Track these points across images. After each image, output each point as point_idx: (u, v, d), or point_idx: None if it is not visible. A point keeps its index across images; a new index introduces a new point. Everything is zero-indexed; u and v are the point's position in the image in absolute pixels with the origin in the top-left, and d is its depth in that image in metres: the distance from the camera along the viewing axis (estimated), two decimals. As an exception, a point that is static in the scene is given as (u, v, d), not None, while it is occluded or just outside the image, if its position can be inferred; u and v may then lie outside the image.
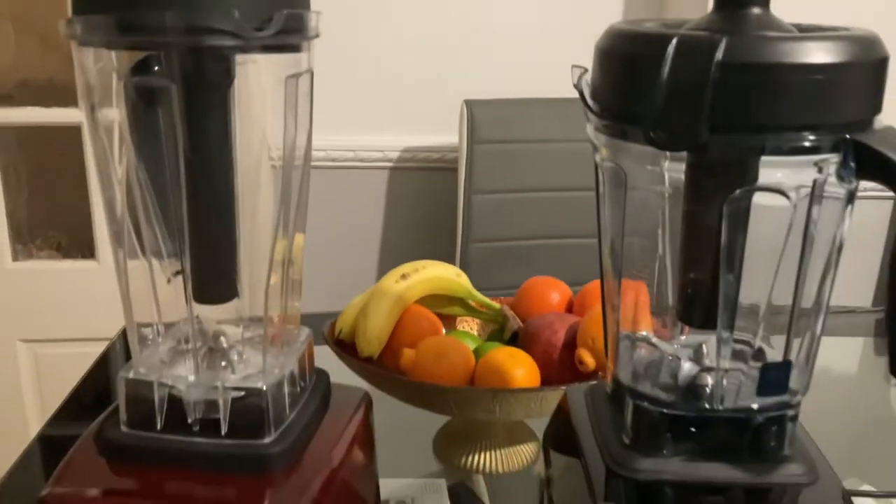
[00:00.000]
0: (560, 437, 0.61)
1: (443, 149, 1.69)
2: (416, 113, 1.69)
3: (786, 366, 0.48)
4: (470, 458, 0.79)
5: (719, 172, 0.43)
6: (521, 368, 0.74)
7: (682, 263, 0.49)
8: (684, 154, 0.44)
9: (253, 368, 0.53)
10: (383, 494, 0.71)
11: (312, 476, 0.51)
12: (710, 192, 0.44)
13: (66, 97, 1.67)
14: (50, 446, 0.87)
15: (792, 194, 0.44)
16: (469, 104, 1.50)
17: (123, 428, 0.52)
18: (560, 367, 0.76)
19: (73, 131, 1.67)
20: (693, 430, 0.49)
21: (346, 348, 0.79)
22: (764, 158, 0.42)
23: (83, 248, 1.77)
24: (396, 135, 1.70)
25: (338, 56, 1.61)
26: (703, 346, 0.52)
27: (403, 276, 0.81)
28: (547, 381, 0.75)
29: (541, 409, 0.72)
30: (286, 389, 0.53)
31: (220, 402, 0.51)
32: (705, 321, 0.49)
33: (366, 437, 0.61)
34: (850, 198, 0.45)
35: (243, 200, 0.52)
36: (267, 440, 0.51)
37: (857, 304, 1.23)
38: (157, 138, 0.49)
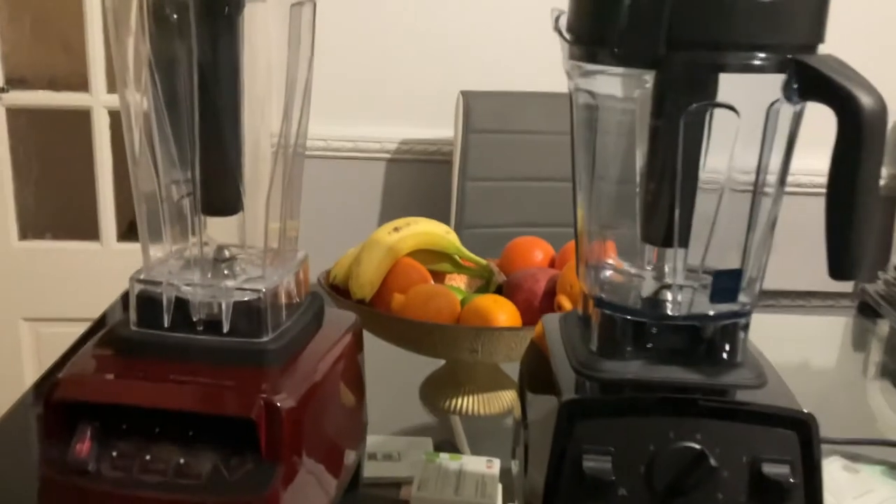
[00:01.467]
0: (533, 365, 0.65)
1: (439, 142, 1.75)
2: (414, 106, 1.74)
3: (736, 273, 0.52)
4: (454, 402, 0.84)
5: (678, 88, 0.48)
6: (503, 313, 0.79)
7: (646, 183, 0.54)
8: (649, 79, 0.50)
9: (253, 276, 0.58)
10: (371, 448, 0.76)
11: (306, 375, 0.56)
12: (670, 108, 0.49)
13: (75, 83, 1.73)
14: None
15: (743, 112, 0.49)
16: (465, 95, 1.56)
17: (133, 327, 0.56)
18: (541, 313, 0.81)
19: (82, 115, 1.73)
20: (652, 335, 0.54)
21: (339, 293, 0.84)
22: (719, 76, 0.48)
23: (87, 229, 1.81)
24: (394, 127, 1.75)
25: (339, 49, 1.67)
26: (665, 267, 0.57)
27: (396, 229, 0.86)
28: (528, 325, 0.80)
29: (521, 351, 0.77)
30: (283, 298, 0.58)
31: (223, 303, 0.55)
32: (664, 238, 0.54)
33: (355, 355, 0.65)
34: (797, 119, 0.51)
35: (248, 122, 0.57)
36: (265, 339, 0.55)
37: (836, 289, 1.28)
38: (173, 60, 0.55)
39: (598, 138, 0.56)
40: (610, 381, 0.53)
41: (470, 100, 1.55)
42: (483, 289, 0.91)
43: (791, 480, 0.49)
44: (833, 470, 0.76)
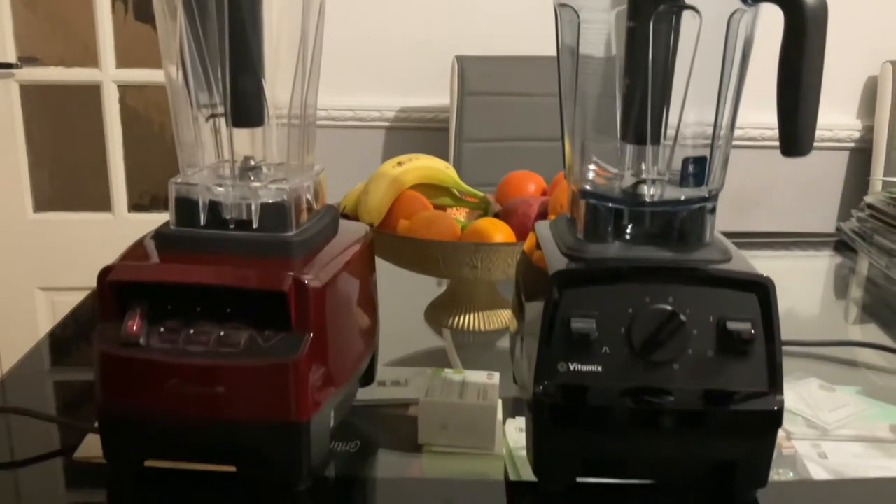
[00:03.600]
0: (525, 267, 0.72)
1: (436, 109, 1.82)
2: (411, 74, 1.82)
3: (703, 160, 0.60)
4: (456, 320, 0.91)
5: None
6: (500, 233, 0.86)
7: (623, 84, 0.61)
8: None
9: (278, 180, 0.65)
10: (381, 376, 0.81)
11: (327, 264, 0.63)
12: (643, 9, 0.56)
13: (85, 61, 1.80)
14: (58, 343, 0.96)
15: (705, 13, 0.57)
16: (460, 59, 1.63)
17: (172, 226, 0.64)
18: (534, 234, 0.88)
19: (93, 90, 1.80)
20: (630, 221, 0.62)
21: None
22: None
23: (100, 201, 1.88)
24: (393, 96, 1.83)
25: (337, 20, 1.74)
26: (641, 165, 0.65)
27: (399, 163, 0.93)
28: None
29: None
30: (304, 200, 0.65)
31: (252, 203, 0.63)
32: (640, 136, 0.62)
33: (368, 259, 0.73)
34: (753, 24, 0.58)
35: (268, 40, 0.65)
36: (290, 233, 0.63)
37: (814, 230, 1.36)
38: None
39: (580, 51, 0.63)
40: (594, 260, 0.60)
41: (464, 64, 1.63)
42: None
43: (752, 332, 0.57)
44: (811, 389, 0.81)
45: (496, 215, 0.95)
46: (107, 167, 1.82)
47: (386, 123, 1.85)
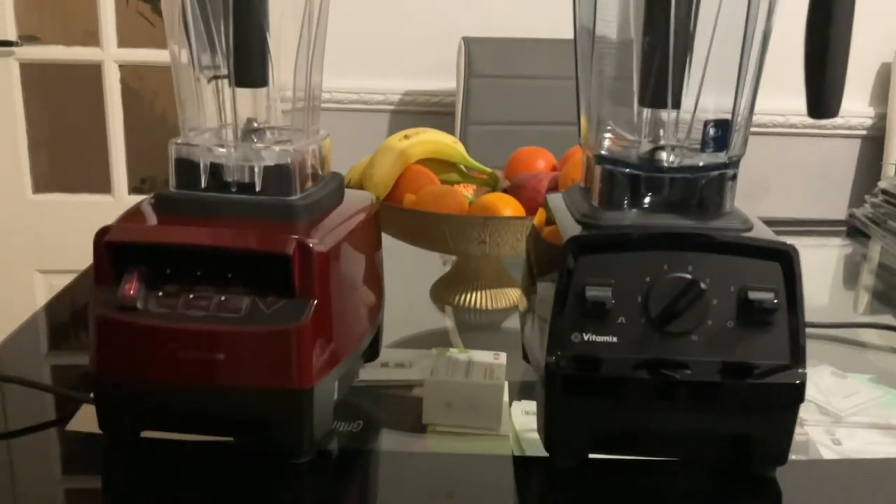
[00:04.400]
0: (536, 240, 0.70)
1: (441, 93, 1.79)
2: (417, 57, 1.79)
3: (725, 123, 0.58)
4: (462, 298, 0.89)
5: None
6: (509, 207, 0.84)
7: (642, 45, 0.59)
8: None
9: (282, 141, 0.63)
10: (385, 358, 0.79)
11: (331, 230, 0.61)
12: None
13: (87, 38, 1.78)
14: (55, 316, 0.95)
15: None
16: (466, 41, 1.61)
17: (172, 189, 0.61)
18: (544, 210, 0.86)
19: (93, 69, 1.77)
20: (648, 188, 0.59)
21: (354, 196, 0.89)
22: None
23: (100, 183, 1.86)
24: (398, 79, 1.80)
25: (342, 1, 1.72)
26: (660, 131, 0.62)
27: (406, 137, 0.91)
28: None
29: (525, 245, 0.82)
30: (308, 164, 0.63)
31: (255, 166, 0.61)
32: (658, 99, 0.60)
33: (373, 229, 0.70)
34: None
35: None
36: (294, 197, 0.61)
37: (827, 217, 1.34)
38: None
39: (598, 6, 0.60)
40: (609, 227, 0.58)
41: (471, 46, 1.60)
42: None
43: (775, 301, 0.54)
44: (823, 375, 0.80)
45: (504, 191, 0.93)
46: (107, 148, 1.80)
47: (391, 107, 1.82)
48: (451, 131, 1.82)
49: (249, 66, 0.62)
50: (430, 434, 0.67)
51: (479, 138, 1.62)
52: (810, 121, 0.58)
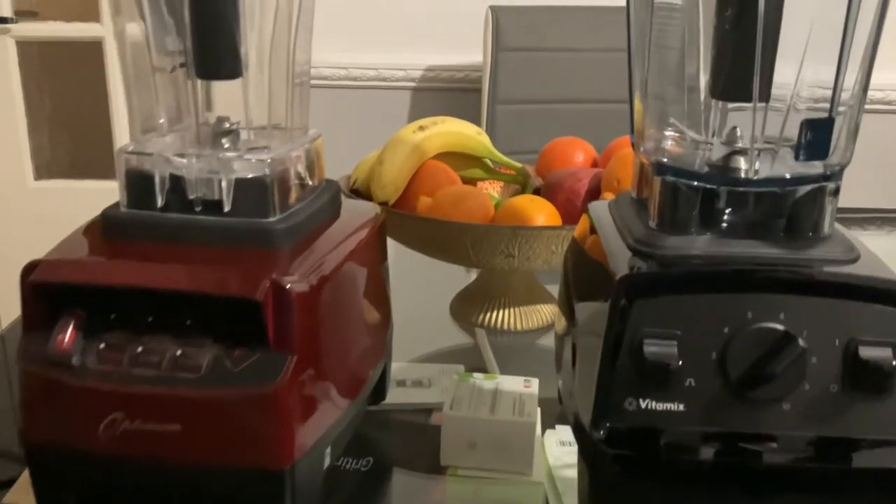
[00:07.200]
0: (577, 261, 0.57)
1: (467, 67, 1.66)
2: (440, 28, 1.65)
3: (829, 123, 0.44)
4: (486, 316, 0.77)
5: None
6: (542, 213, 0.71)
7: (717, 29, 0.46)
8: None
9: (258, 148, 0.50)
10: (399, 375, 0.71)
11: (319, 260, 0.49)
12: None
13: (87, 13, 1.67)
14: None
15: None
16: (494, 10, 1.46)
17: (123, 208, 0.50)
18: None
19: (94, 47, 1.67)
20: (724, 206, 0.46)
21: (361, 199, 0.77)
22: None
23: (103, 167, 1.77)
24: (420, 53, 1.67)
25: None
26: (737, 130, 0.49)
27: (421, 128, 0.78)
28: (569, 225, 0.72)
29: (561, 257, 0.69)
30: (292, 175, 0.51)
31: (223, 179, 0.48)
32: (737, 90, 0.46)
33: (376, 250, 0.58)
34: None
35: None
36: (272, 218, 0.48)
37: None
38: None
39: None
40: (673, 258, 0.45)
41: (500, 15, 1.46)
42: (519, 195, 0.83)
43: (894, 364, 0.41)
44: None
45: (536, 191, 0.80)
46: (111, 131, 1.70)
47: (412, 84, 1.69)
48: (477, 111, 1.70)
49: (216, 53, 0.50)
50: (449, 477, 0.59)
51: (509, 119, 1.48)
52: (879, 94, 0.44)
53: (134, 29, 0.51)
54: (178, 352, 0.45)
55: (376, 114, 1.69)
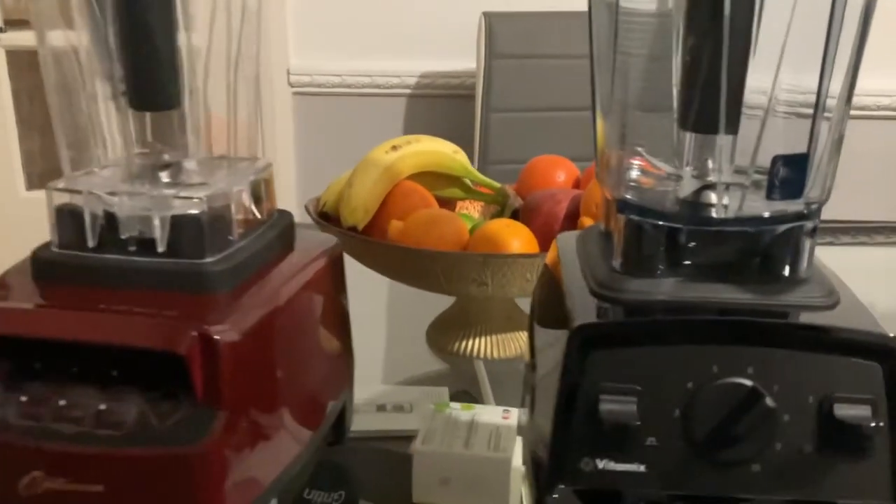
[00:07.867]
0: (545, 293, 0.54)
1: (462, 74, 1.62)
2: (434, 35, 1.62)
3: (802, 158, 0.40)
4: (463, 345, 0.74)
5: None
6: (517, 238, 0.68)
7: (684, 48, 0.42)
8: None
9: (195, 184, 0.47)
10: (380, 399, 0.68)
11: (259, 303, 0.45)
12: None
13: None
14: None
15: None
16: (488, 16, 1.43)
17: (53, 248, 0.47)
18: (561, 239, 0.70)
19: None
20: (692, 246, 0.43)
21: (331, 222, 0.74)
22: None
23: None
24: (414, 60, 1.64)
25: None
26: (708, 162, 0.45)
27: (394, 148, 0.75)
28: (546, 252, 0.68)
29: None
30: (232, 211, 0.47)
31: (157, 217, 0.45)
32: (706, 122, 0.42)
33: (332, 283, 0.55)
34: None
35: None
36: (207, 259, 0.45)
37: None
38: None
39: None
40: (636, 303, 0.42)
41: (493, 21, 1.43)
42: (498, 216, 0.80)
43: (872, 425, 0.38)
44: None
45: (515, 212, 0.76)
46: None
47: (407, 91, 1.66)
48: (470, 119, 1.66)
49: (150, 81, 0.47)
50: (421, 515, 0.56)
51: (503, 128, 1.44)
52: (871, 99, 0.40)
53: (66, 53, 0.48)
54: (102, 406, 0.41)
55: (370, 121, 1.66)
